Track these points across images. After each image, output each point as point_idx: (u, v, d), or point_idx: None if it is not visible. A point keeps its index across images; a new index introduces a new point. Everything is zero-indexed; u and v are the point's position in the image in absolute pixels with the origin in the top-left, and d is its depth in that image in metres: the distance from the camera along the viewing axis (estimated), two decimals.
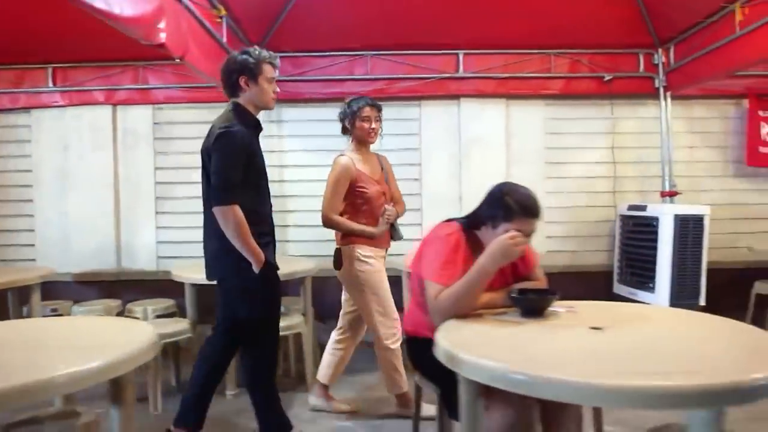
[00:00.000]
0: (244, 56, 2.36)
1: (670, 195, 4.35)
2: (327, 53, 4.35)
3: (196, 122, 4.46)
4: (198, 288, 3.47)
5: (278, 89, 2.47)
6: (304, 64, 4.38)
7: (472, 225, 2.02)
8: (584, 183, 4.49)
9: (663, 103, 4.38)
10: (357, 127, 2.85)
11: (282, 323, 2.77)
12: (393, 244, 3.00)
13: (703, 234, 3.80)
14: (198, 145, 4.50)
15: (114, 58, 4.27)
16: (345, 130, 2.94)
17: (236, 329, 2.49)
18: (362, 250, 2.82)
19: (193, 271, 3.53)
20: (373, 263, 2.84)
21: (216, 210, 2.27)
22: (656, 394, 1.19)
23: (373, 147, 3.02)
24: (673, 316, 1.99)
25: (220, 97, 3.91)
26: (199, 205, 4.46)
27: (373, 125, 2.84)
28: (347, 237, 2.86)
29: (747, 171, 4.60)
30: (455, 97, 4.42)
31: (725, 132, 4.59)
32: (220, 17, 3.34)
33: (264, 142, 4.34)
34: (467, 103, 4.42)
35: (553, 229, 4.50)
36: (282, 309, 2.98)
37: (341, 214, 2.84)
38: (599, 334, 1.65)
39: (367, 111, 2.83)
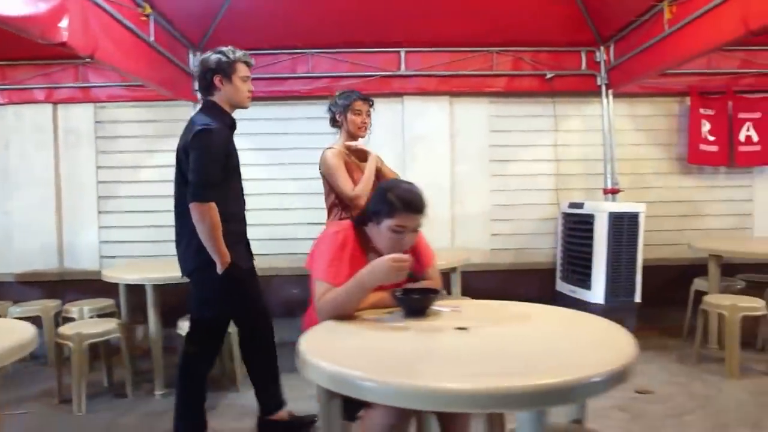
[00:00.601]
0: (218, 55, 2.39)
1: (612, 192, 4.38)
2: (269, 51, 4.33)
3: (139, 121, 4.45)
4: (132, 288, 3.46)
5: (253, 88, 2.49)
6: None
7: (361, 222, 2.03)
8: (528, 181, 4.51)
9: (605, 100, 4.39)
10: (348, 120, 2.83)
11: None
12: None
13: (639, 232, 3.82)
14: (141, 143, 4.53)
15: (54, 56, 4.23)
16: (335, 123, 2.92)
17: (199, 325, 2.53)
18: None
19: (125, 271, 3.52)
20: None
21: (192, 206, 2.27)
22: (467, 396, 1.19)
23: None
24: (555, 316, 1.99)
25: (163, 96, 3.92)
26: (144, 203, 4.47)
27: (364, 118, 2.83)
28: None
29: (691, 168, 4.63)
30: (399, 95, 4.42)
31: (670, 129, 4.63)
32: (146, 15, 3.31)
33: None
34: (411, 101, 4.43)
35: (498, 227, 4.51)
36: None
37: (331, 208, 2.83)
38: (462, 335, 1.65)
39: (359, 104, 2.82)
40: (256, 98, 4.30)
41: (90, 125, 4.41)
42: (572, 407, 1.82)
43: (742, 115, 4.52)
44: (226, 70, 2.38)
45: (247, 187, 4.31)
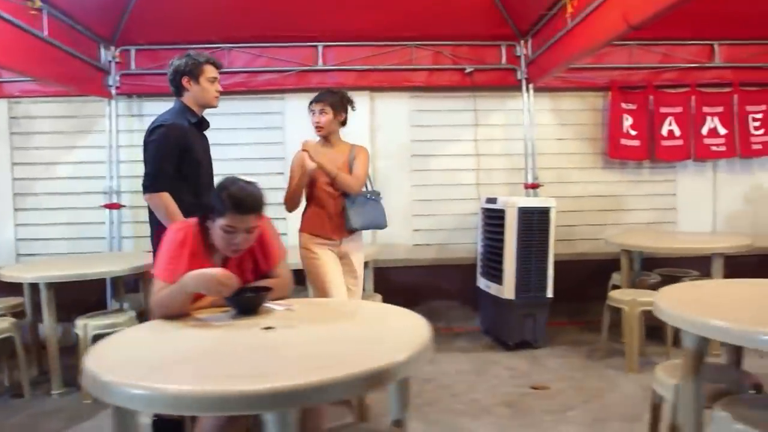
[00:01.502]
0: (185, 58, 2.59)
1: (533, 187, 4.38)
2: (185, 46, 4.25)
3: (55, 117, 4.38)
4: (36, 287, 3.41)
5: (220, 88, 2.65)
6: (163, 57, 4.26)
7: (204, 219, 2.00)
8: (450, 176, 4.49)
9: (525, 95, 4.38)
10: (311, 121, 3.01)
11: None
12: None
13: (550, 227, 3.81)
14: (58, 140, 4.46)
15: None
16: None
17: None
18: (303, 238, 2.95)
19: (24, 270, 3.48)
20: (315, 250, 2.90)
21: (146, 198, 2.48)
22: (189, 398, 1.18)
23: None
24: (378, 313, 1.97)
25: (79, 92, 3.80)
26: (61, 200, 4.42)
27: (317, 118, 2.96)
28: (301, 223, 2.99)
29: (615, 163, 4.63)
30: (318, 90, 4.35)
31: (594, 124, 4.62)
32: (36, 9, 3.24)
33: (125, 137, 4.37)
34: None
35: (420, 222, 4.50)
36: None
37: (306, 203, 2.97)
38: (267, 335, 1.63)
39: (312, 105, 2.99)
40: (168, 93, 4.32)
41: (4, 121, 4.34)
42: (394, 408, 1.81)
43: (663, 110, 4.51)
44: (193, 71, 2.56)
45: None
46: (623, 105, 4.49)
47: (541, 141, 4.54)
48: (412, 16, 4.15)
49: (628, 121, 4.50)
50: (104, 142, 4.30)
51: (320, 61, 4.33)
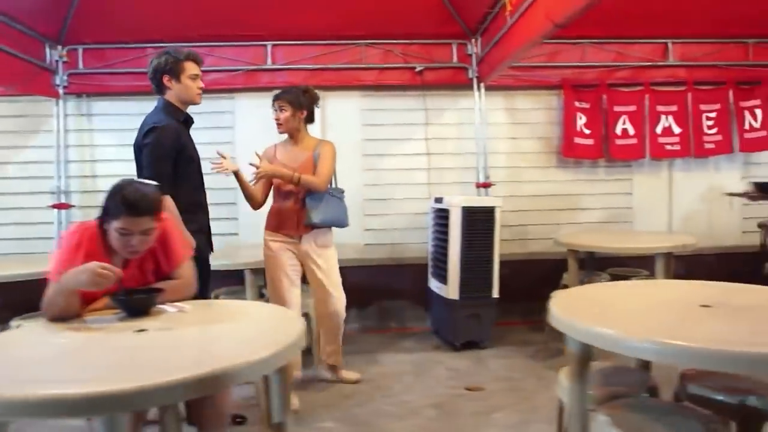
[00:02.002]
0: (165, 56, 2.56)
1: (484, 186, 4.36)
2: (133, 45, 4.25)
3: (4, 116, 4.34)
4: None
5: (203, 85, 2.63)
6: (111, 56, 4.26)
7: (103, 221, 1.98)
8: (402, 175, 4.47)
9: (477, 93, 4.36)
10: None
11: None
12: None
13: (495, 227, 3.79)
14: (7, 139, 4.42)
15: None
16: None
17: None
18: (264, 236, 3.04)
19: None
20: (272, 246, 2.99)
21: None
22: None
23: None
24: (268, 315, 1.95)
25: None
26: (8, 200, 4.40)
27: (276, 115, 3.00)
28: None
29: (570, 162, 4.61)
30: (268, 89, 4.31)
31: (548, 123, 4.59)
32: None
33: (74, 137, 4.35)
34: None
35: (372, 221, 4.47)
36: None
37: (273, 199, 3.04)
38: (134, 338, 1.61)
39: (273, 104, 3.03)
40: (121, 93, 4.36)
41: None
42: (274, 410, 1.79)
43: (617, 108, 4.49)
44: (173, 69, 2.54)
45: (109, 183, 4.33)
46: (576, 104, 4.47)
47: (495, 140, 4.52)
48: (362, 15, 4.12)
49: (581, 120, 4.48)
50: (52, 141, 4.27)
51: (269, 60, 4.30)
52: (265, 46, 4.30)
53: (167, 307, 1.93)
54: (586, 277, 4.11)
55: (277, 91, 3.09)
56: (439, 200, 4.00)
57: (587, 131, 4.48)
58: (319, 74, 4.32)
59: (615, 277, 4.15)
